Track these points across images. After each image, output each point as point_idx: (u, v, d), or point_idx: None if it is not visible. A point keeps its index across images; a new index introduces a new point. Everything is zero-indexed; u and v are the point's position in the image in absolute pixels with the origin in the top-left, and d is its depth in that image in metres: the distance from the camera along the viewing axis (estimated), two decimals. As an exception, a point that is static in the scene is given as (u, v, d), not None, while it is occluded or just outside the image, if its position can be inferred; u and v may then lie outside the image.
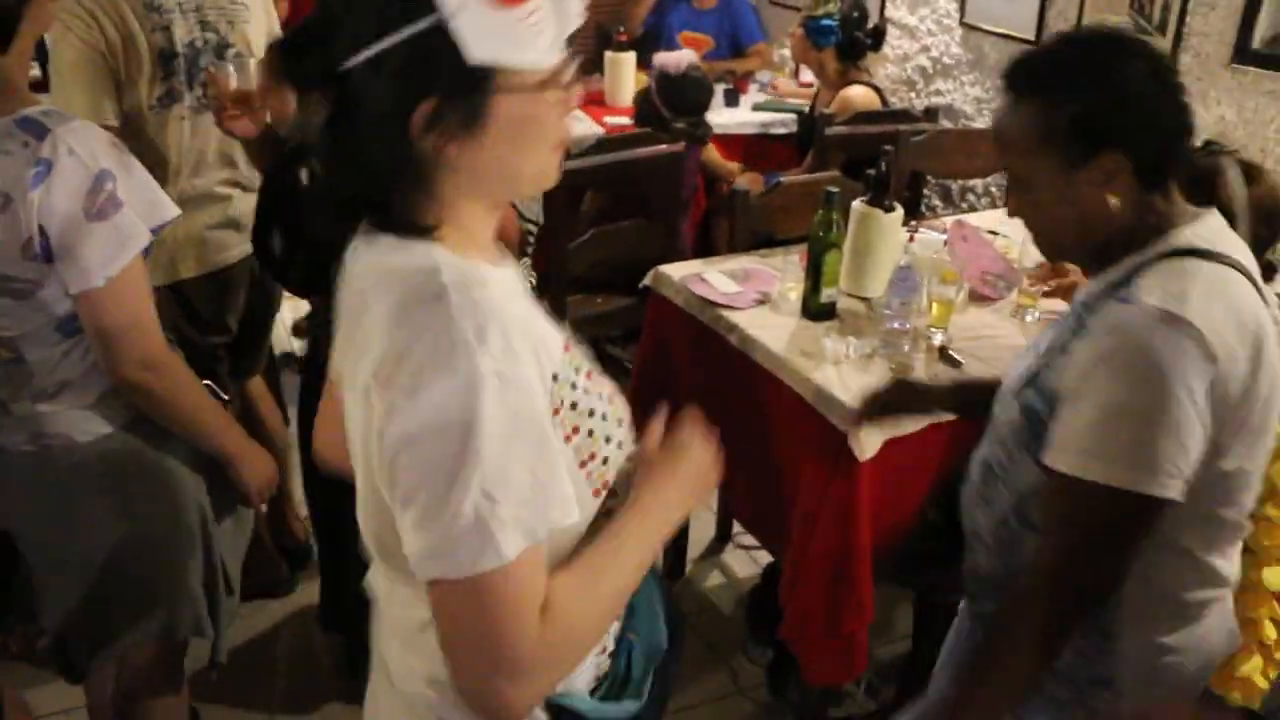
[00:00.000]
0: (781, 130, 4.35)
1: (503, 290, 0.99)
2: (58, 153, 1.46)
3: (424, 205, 1.00)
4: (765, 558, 2.97)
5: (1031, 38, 3.83)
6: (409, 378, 0.90)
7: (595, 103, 4.33)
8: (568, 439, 1.01)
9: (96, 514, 1.70)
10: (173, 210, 1.63)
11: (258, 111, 1.97)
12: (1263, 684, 1.85)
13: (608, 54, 4.39)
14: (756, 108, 4.48)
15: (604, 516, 1.07)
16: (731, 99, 4.45)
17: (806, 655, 2.16)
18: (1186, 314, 1.19)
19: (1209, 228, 1.31)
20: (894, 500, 2.05)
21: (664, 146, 3.34)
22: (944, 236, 2.68)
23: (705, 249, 3.74)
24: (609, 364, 3.55)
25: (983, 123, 4.11)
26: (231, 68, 1.90)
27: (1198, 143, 1.49)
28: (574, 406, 1.01)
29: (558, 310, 3.13)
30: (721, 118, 4.11)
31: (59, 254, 1.48)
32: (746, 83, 4.74)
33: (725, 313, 2.38)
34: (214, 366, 2.54)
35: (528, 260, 2.18)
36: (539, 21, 0.94)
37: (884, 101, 3.77)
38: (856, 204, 2.45)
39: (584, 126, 3.94)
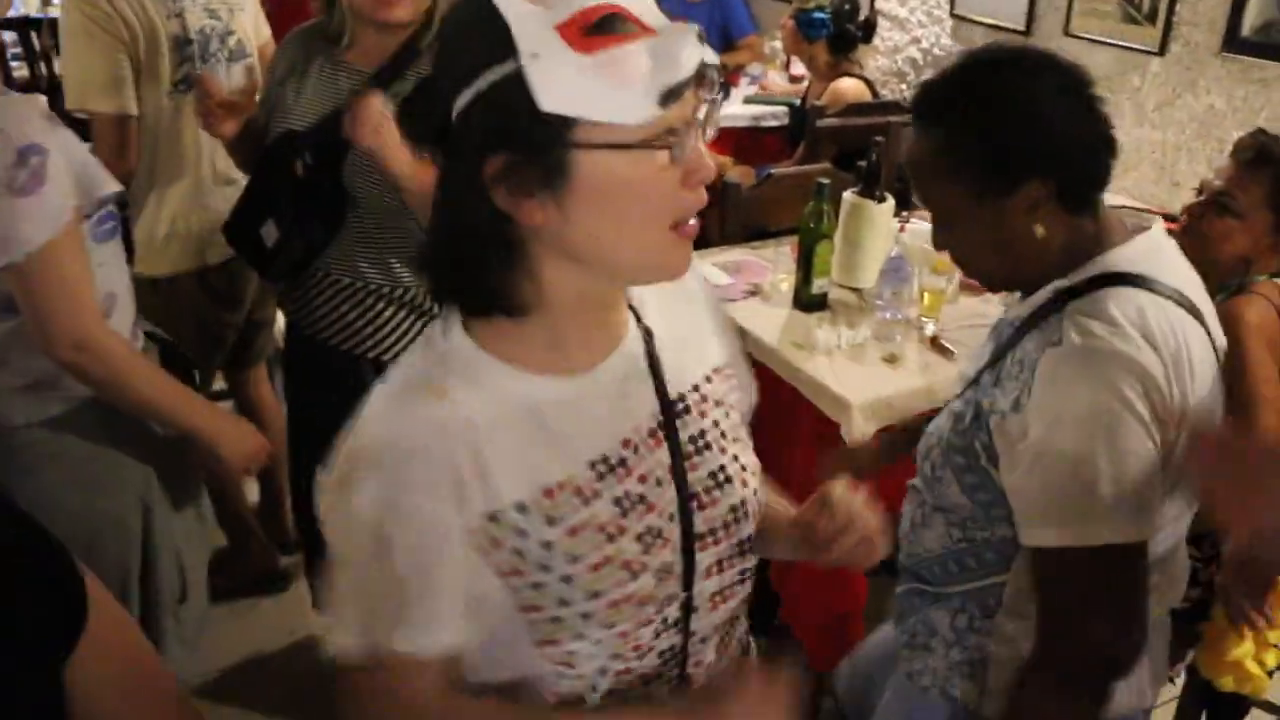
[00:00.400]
0: (773, 123, 4.35)
1: (499, 409, 0.91)
2: None
3: (515, 280, 0.89)
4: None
5: (1022, 28, 3.83)
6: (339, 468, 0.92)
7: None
8: (506, 575, 0.92)
9: (27, 501, 1.65)
10: (112, 186, 1.59)
11: (241, 112, 1.97)
12: (1256, 670, 1.85)
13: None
14: (748, 100, 4.48)
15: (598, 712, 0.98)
16: (723, 91, 4.44)
17: (807, 641, 2.17)
18: (1118, 347, 1.15)
19: (1142, 248, 1.25)
20: (886, 487, 2.05)
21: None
22: (935, 227, 2.69)
23: (697, 241, 3.73)
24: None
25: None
26: (221, 70, 1.90)
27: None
28: (519, 554, 0.92)
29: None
30: (713, 111, 4.10)
31: None
32: (738, 75, 4.74)
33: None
34: (216, 353, 2.58)
35: None
36: (629, 69, 0.82)
37: (875, 93, 3.77)
38: (847, 195, 2.45)
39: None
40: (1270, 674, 1.88)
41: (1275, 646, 1.87)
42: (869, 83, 3.80)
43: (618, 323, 0.99)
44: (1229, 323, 1.78)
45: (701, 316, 1.10)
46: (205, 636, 2.52)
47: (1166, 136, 3.41)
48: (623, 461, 0.96)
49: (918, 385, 2.06)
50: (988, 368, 1.31)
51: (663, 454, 0.99)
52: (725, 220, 3.00)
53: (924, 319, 2.30)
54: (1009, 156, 1.21)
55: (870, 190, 2.41)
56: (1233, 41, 3.14)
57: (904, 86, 4.51)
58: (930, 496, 1.38)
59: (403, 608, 0.90)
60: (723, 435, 1.05)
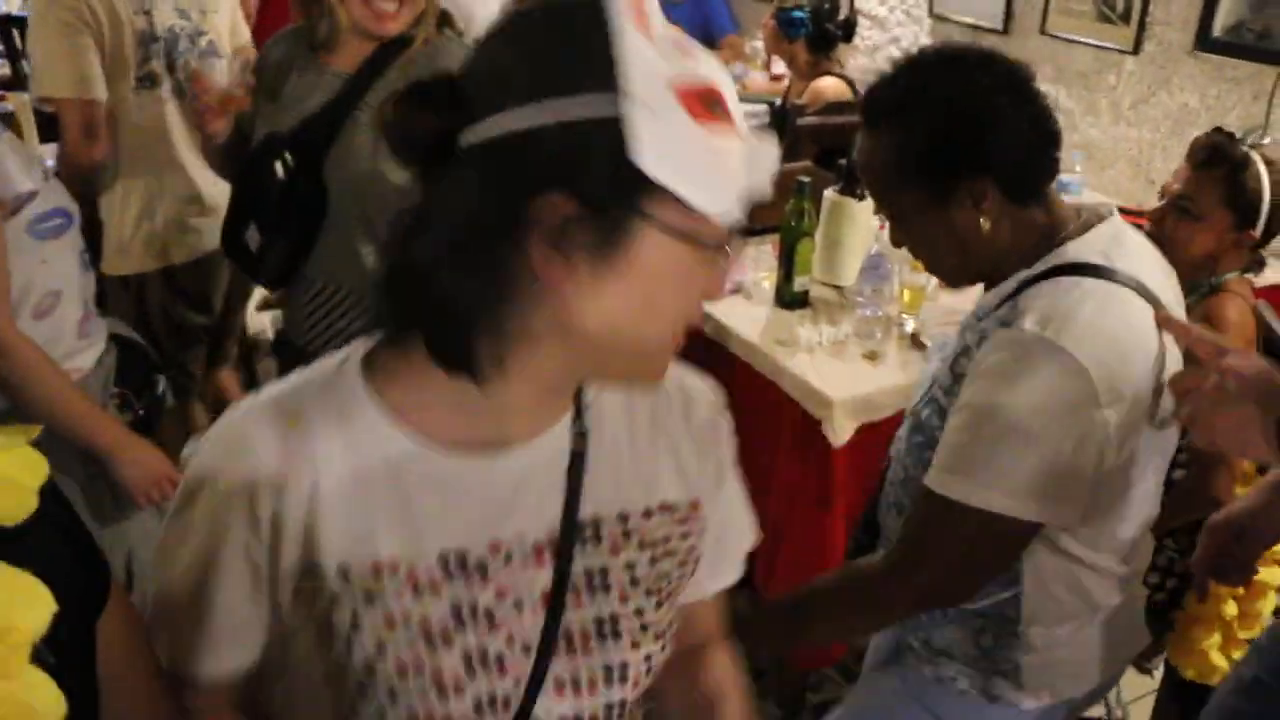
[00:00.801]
0: (753, 122, 4.37)
1: (356, 459, 0.81)
2: None
3: (492, 337, 0.77)
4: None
5: (999, 27, 3.87)
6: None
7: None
8: (315, 635, 0.83)
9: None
10: (24, 185, 1.56)
11: (236, 108, 1.98)
12: (1220, 661, 1.88)
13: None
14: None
15: None
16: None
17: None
18: (1064, 341, 1.16)
19: (1102, 237, 1.27)
20: (868, 485, 2.08)
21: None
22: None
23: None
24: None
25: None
26: (218, 66, 1.90)
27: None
28: (327, 621, 0.82)
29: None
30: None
31: None
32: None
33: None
34: (190, 353, 2.58)
35: None
36: (730, 161, 0.73)
37: (855, 92, 3.79)
38: (828, 193, 2.48)
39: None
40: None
41: (1247, 642, 1.90)
42: (850, 81, 3.82)
43: (552, 412, 0.87)
44: (1210, 323, 1.82)
45: (679, 443, 0.95)
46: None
47: (1142, 134, 3.46)
48: (482, 566, 0.84)
49: (899, 382, 2.09)
50: (953, 363, 1.33)
51: (541, 576, 0.86)
52: (707, 219, 3.02)
53: (904, 316, 2.33)
54: (949, 155, 1.24)
55: (851, 188, 2.44)
56: (1205, 41, 3.19)
57: (884, 85, 4.54)
58: (909, 501, 1.40)
59: (202, 633, 0.84)
60: (633, 582, 0.90)
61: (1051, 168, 1.29)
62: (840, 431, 2.02)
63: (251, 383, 3.46)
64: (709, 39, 5.00)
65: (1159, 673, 2.14)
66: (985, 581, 1.30)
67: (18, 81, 3.79)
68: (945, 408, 1.29)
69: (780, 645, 1.51)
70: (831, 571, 1.41)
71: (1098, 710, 2.29)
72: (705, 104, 0.72)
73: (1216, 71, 3.19)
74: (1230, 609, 1.85)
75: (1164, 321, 1.19)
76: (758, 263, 2.54)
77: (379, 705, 0.82)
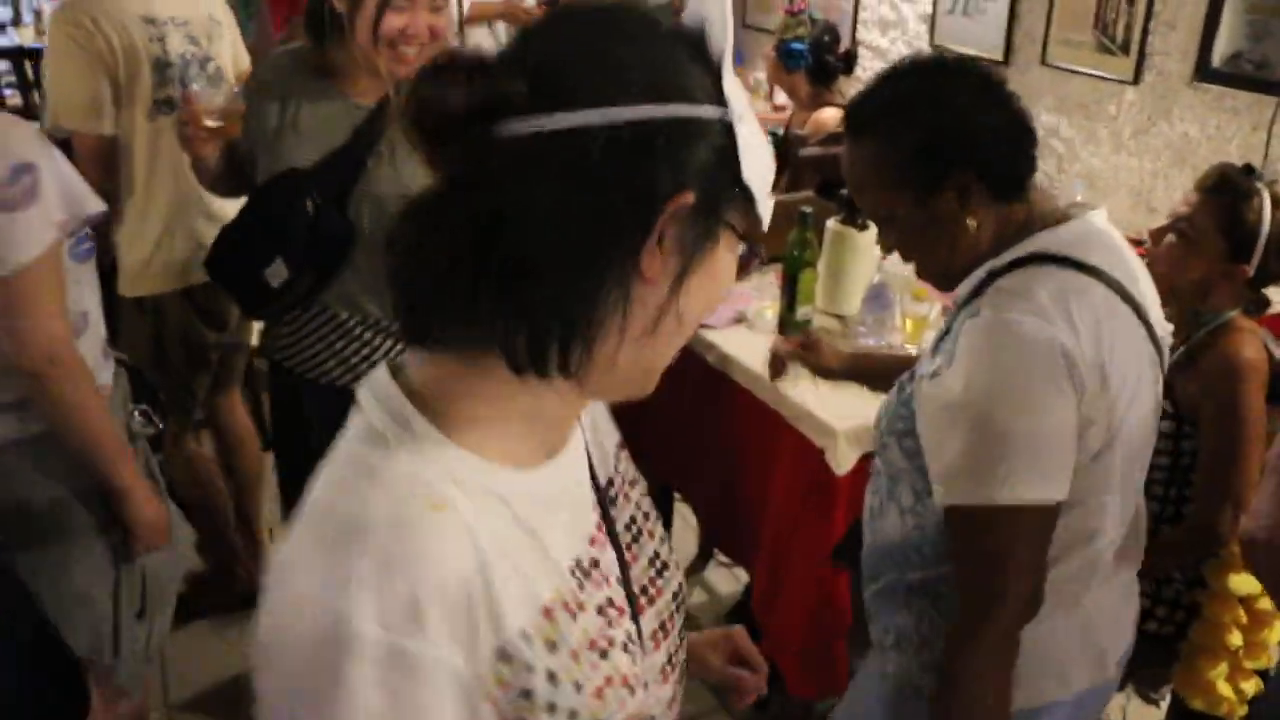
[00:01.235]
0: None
1: (487, 512, 0.73)
2: None
3: (587, 337, 0.73)
4: (746, 575, 2.99)
5: (1000, 58, 3.91)
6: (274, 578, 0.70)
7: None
8: None
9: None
10: (97, 206, 1.63)
11: (224, 135, 1.98)
12: (1227, 691, 1.87)
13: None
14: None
15: None
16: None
17: (788, 667, 2.19)
18: (1022, 319, 1.20)
19: (1073, 231, 1.31)
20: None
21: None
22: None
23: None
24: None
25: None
26: (209, 92, 1.92)
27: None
28: (526, 695, 0.73)
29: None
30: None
31: None
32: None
33: (702, 332, 2.41)
34: (203, 374, 2.60)
35: None
36: (768, 168, 0.77)
37: (857, 122, 3.83)
38: (831, 223, 2.49)
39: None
40: (1248, 702, 1.90)
41: (1255, 673, 1.89)
42: (851, 112, 3.86)
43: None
44: (1227, 362, 1.81)
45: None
46: (190, 657, 2.54)
47: (1143, 164, 3.48)
48: (595, 563, 0.82)
49: (901, 410, 2.09)
50: (935, 351, 1.35)
51: (610, 550, 0.86)
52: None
53: (907, 345, 2.33)
54: (929, 155, 1.28)
55: (853, 218, 2.46)
56: (1204, 71, 3.22)
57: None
58: (884, 469, 1.42)
59: None
60: (646, 516, 0.94)
61: (1031, 164, 1.33)
62: (843, 460, 2.02)
63: (256, 408, 3.47)
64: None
65: (1165, 703, 2.13)
66: (1041, 581, 1.29)
67: (30, 112, 3.83)
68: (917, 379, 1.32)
69: None
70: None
71: (1104, 741, 2.28)
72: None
73: (1216, 102, 3.21)
74: (1236, 639, 1.84)
75: None
76: (761, 292, 2.55)
77: None
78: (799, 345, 1.91)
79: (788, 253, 2.36)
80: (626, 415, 0.97)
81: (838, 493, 2.04)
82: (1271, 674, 1.91)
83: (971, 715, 1.27)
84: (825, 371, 1.88)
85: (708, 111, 0.72)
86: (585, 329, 0.72)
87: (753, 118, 0.76)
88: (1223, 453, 1.81)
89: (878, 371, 1.73)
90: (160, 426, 1.88)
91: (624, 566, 0.87)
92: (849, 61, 3.80)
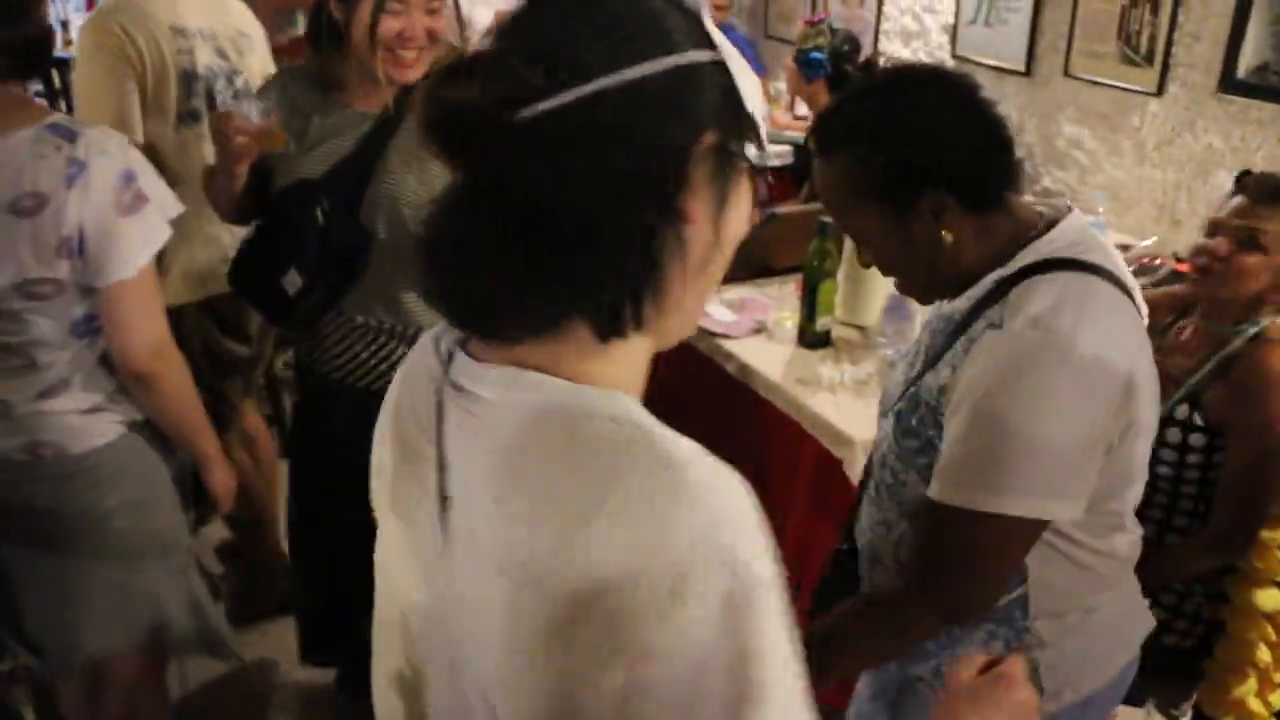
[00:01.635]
0: (777, 163, 4.40)
1: None
2: (89, 153, 1.55)
3: (651, 290, 0.74)
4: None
5: (1022, 69, 3.89)
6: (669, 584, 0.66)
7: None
8: None
9: (77, 525, 1.73)
10: (179, 207, 1.70)
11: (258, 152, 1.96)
12: (1259, 708, 1.85)
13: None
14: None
15: None
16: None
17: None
18: (1057, 337, 1.17)
19: (1067, 232, 1.29)
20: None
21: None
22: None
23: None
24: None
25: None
26: (247, 107, 1.89)
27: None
28: None
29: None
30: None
31: (93, 249, 1.56)
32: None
33: (722, 341, 2.42)
34: (230, 383, 2.63)
35: None
36: (759, 95, 0.80)
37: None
38: (850, 234, 2.49)
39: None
40: (1276, 715, 1.88)
41: (1281, 686, 1.87)
42: (872, 123, 3.85)
43: None
44: (1262, 373, 1.79)
45: None
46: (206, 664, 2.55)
47: (1166, 175, 3.45)
48: None
49: (920, 422, 2.08)
50: (929, 368, 1.33)
51: None
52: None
53: (926, 356, 2.32)
54: (900, 173, 1.25)
55: (873, 229, 2.45)
56: (1229, 83, 3.19)
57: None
58: (898, 507, 1.38)
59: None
60: None
61: (1009, 174, 1.31)
62: (861, 470, 2.01)
63: (278, 416, 3.49)
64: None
65: (1186, 718, 2.11)
66: (1003, 588, 1.29)
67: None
68: (938, 410, 1.28)
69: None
70: (849, 601, 1.39)
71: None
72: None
73: (1241, 113, 3.19)
74: (1265, 655, 1.82)
75: None
76: (780, 303, 2.55)
77: None
78: None
79: (807, 263, 2.36)
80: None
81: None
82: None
83: (847, 665, 1.36)
84: None
85: (703, 55, 0.74)
86: (653, 283, 0.74)
87: (734, 52, 0.79)
88: (1250, 464, 1.79)
89: None
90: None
91: None
92: (868, 71, 3.80)
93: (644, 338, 0.77)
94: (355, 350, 2.00)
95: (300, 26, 3.65)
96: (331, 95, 1.95)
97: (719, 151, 0.74)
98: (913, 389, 1.35)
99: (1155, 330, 2.02)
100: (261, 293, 2.00)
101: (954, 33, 4.24)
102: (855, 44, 3.58)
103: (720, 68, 0.75)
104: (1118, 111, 3.60)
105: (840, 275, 2.44)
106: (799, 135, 4.39)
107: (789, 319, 2.47)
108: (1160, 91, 3.41)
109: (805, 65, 3.53)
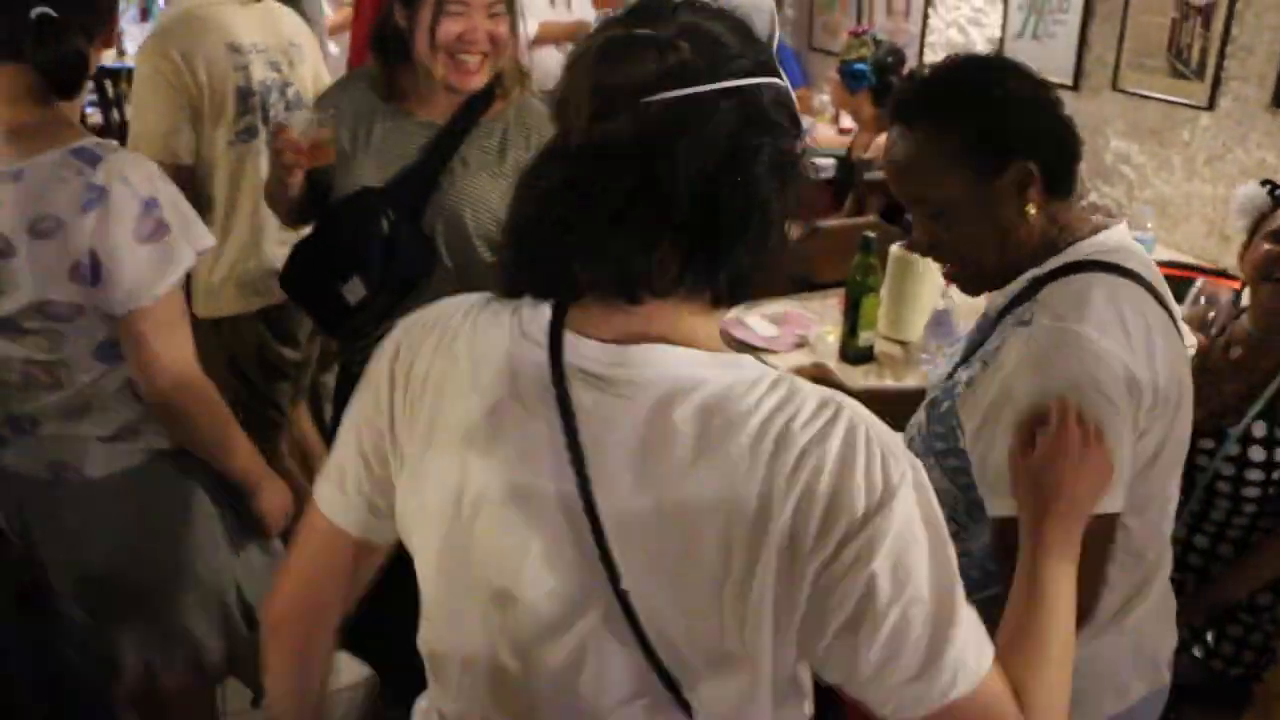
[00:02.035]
0: (822, 176, 4.39)
1: None
2: (111, 179, 1.53)
3: None
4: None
5: (1070, 83, 3.85)
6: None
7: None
8: None
9: (98, 547, 1.73)
10: (210, 239, 1.67)
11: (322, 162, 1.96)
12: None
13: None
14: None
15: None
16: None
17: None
18: (1081, 328, 1.18)
19: (1110, 240, 1.30)
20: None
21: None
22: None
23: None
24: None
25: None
26: (300, 120, 1.89)
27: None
28: None
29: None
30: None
31: (109, 276, 1.54)
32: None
33: (764, 355, 2.41)
34: (279, 388, 2.66)
35: None
36: None
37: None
38: (894, 248, 2.47)
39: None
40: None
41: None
42: (916, 136, 3.82)
43: None
44: None
45: None
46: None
47: (1217, 191, 3.40)
48: None
49: (964, 439, 2.07)
50: (963, 361, 1.33)
51: None
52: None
53: (970, 372, 2.30)
54: (995, 137, 1.26)
55: (917, 244, 2.44)
56: (1283, 97, 3.14)
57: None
58: None
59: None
60: None
61: (1076, 170, 1.32)
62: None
63: (319, 418, 3.51)
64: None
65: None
66: (1101, 588, 1.25)
67: (109, 130, 3.95)
68: (956, 401, 1.29)
69: None
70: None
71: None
72: None
73: (1295, 128, 3.14)
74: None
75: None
76: (823, 317, 2.54)
77: None
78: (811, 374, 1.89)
79: (850, 277, 2.35)
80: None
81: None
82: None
83: None
84: None
85: (777, 81, 0.86)
86: (769, 258, 0.86)
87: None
88: None
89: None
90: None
91: None
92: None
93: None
94: None
95: None
96: (395, 105, 1.96)
97: (792, 150, 0.86)
98: (949, 380, 1.36)
99: (1206, 351, 1.99)
100: (317, 299, 2.00)
101: (1001, 46, 4.21)
102: (900, 56, 3.57)
103: (783, 90, 0.87)
104: (1167, 126, 3.55)
105: (883, 290, 2.43)
106: (840, 149, 4.38)
107: (831, 333, 2.46)
108: (1211, 105, 3.36)
109: (849, 76, 3.52)
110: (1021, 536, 1.11)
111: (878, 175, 3.49)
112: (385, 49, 1.94)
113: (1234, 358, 1.91)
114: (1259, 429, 1.80)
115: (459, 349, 0.92)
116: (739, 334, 2.48)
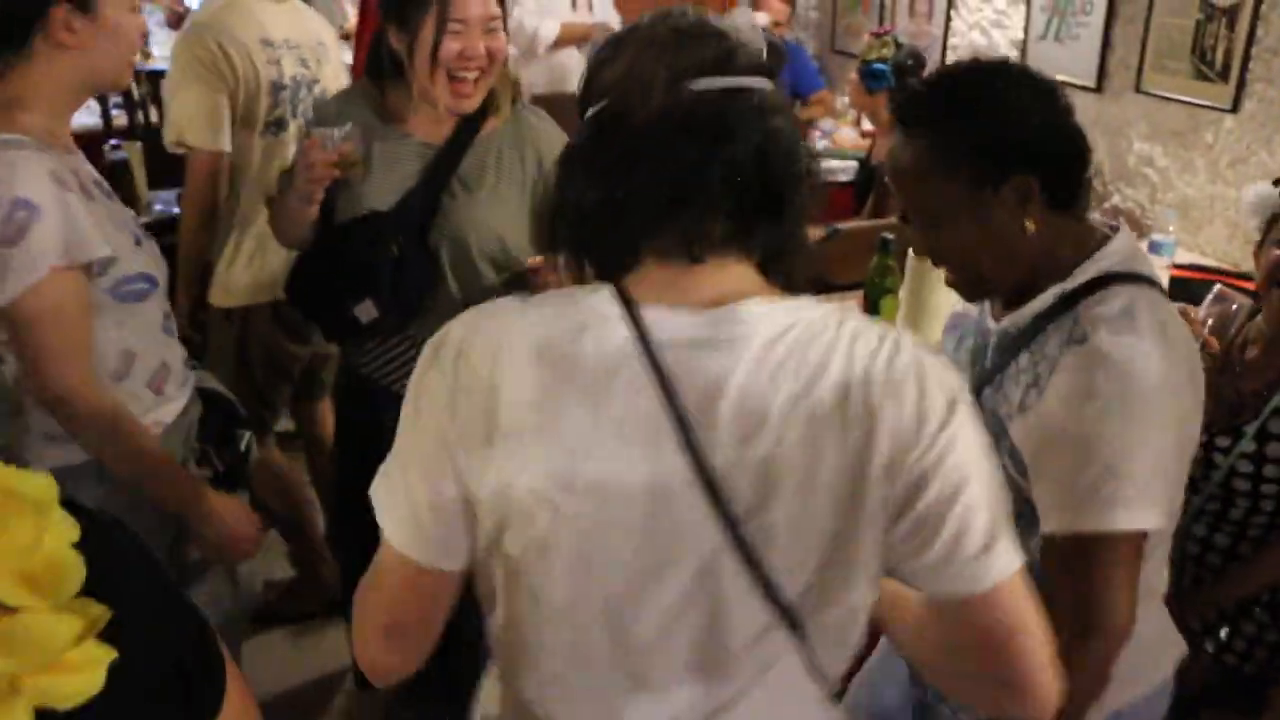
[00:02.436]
0: (843, 178, 4.38)
1: None
2: None
3: None
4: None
5: (1093, 85, 3.83)
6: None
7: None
8: None
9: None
10: (101, 251, 1.54)
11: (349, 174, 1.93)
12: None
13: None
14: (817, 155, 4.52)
15: None
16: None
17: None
18: (1141, 339, 1.19)
19: (1122, 247, 1.30)
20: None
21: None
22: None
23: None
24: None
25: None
26: (330, 132, 1.86)
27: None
28: None
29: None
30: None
31: None
32: (809, 130, 4.79)
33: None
34: (284, 385, 2.68)
35: None
36: None
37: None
38: (913, 250, 2.47)
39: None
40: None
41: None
42: (937, 138, 3.81)
43: None
44: None
45: None
46: (268, 659, 2.58)
47: (1241, 194, 3.37)
48: None
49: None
50: (987, 383, 1.33)
51: None
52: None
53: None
54: (996, 150, 1.25)
55: (936, 245, 2.43)
56: (1308, 99, 3.11)
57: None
58: None
59: None
60: None
61: (1084, 183, 1.32)
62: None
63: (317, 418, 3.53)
64: (795, 95, 5.03)
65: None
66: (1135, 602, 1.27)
67: (134, 131, 3.98)
68: (1003, 427, 1.28)
69: None
70: None
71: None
72: None
73: (1320, 131, 3.11)
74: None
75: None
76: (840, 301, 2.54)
77: None
78: None
79: (869, 279, 2.35)
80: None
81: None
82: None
83: None
84: None
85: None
86: (801, 239, 0.99)
87: None
88: None
89: None
90: (220, 469, 1.81)
91: None
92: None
93: None
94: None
95: None
96: (392, 126, 1.97)
97: (813, 151, 1.01)
98: (976, 399, 1.35)
99: (1222, 353, 1.99)
100: (326, 316, 2.02)
101: (1024, 48, 4.19)
102: (920, 59, 3.56)
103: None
104: (1191, 128, 3.53)
105: (902, 292, 2.42)
106: (860, 152, 4.37)
107: (849, 335, 2.45)
108: (1235, 108, 3.34)
109: (868, 77, 3.52)
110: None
111: (898, 177, 3.49)
112: (380, 72, 1.96)
113: (1250, 357, 1.91)
114: (1275, 425, 1.80)
115: (527, 351, 0.92)
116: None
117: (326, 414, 2.88)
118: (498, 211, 1.94)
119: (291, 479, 2.79)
